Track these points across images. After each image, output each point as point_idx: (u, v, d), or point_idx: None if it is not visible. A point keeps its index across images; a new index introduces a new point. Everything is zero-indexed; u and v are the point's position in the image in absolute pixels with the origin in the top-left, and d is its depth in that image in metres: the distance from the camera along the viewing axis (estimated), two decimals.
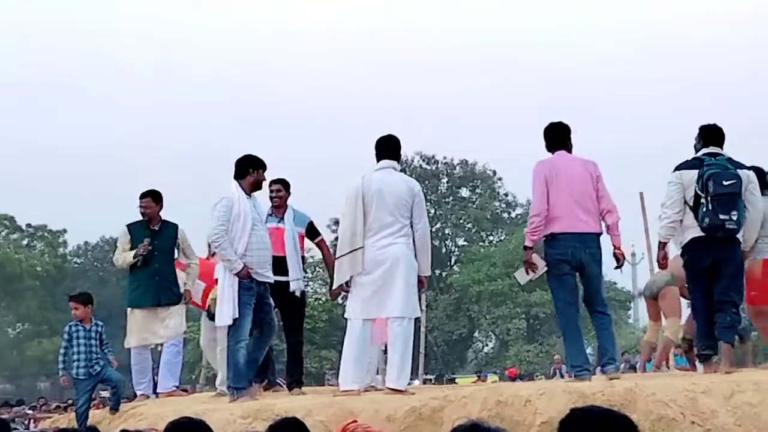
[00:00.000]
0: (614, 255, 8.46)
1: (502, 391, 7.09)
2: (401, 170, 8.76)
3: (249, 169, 9.01)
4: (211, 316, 10.31)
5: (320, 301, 51.81)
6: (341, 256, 8.53)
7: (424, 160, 62.11)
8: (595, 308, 8.31)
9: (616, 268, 8.53)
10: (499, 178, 62.73)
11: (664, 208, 8.64)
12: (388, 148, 8.66)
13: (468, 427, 2.80)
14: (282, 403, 7.87)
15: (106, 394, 12.37)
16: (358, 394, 8.02)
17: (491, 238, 62.91)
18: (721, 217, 8.26)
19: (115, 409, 9.60)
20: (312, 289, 55.85)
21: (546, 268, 8.34)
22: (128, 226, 10.41)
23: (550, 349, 46.79)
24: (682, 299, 10.81)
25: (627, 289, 48.96)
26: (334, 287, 8.89)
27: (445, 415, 7.02)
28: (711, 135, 8.74)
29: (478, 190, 62.83)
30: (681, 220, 8.53)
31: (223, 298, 8.67)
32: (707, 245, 8.42)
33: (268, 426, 4.93)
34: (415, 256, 8.41)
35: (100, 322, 9.91)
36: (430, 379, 36.79)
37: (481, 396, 7.06)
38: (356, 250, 8.35)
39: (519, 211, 62.55)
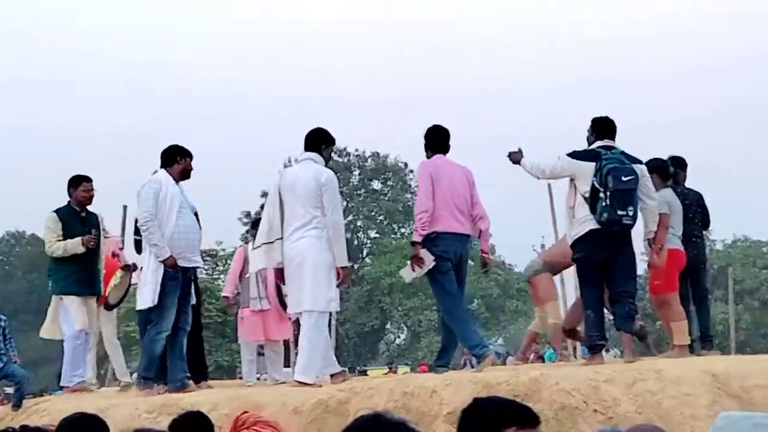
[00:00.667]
0: (482, 259, 8.72)
1: (409, 382, 7.12)
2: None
3: (177, 158, 8.94)
4: (108, 307, 10.22)
5: None
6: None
7: (336, 153, 62.00)
8: None
9: (484, 271, 8.68)
10: (411, 171, 62.92)
11: (540, 170, 8.86)
12: (310, 140, 8.68)
13: (370, 417, 2.78)
14: (188, 397, 7.80)
15: (11, 390, 12.11)
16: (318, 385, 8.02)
17: (403, 230, 63.04)
18: (619, 212, 8.35)
19: (17, 405, 9.38)
20: (223, 282, 55.44)
21: (433, 264, 8.51)
22: (56, 212, 9.99)
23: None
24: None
25: None
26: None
27: (351, 406, 7.01)
28: (605, 127, 8.84)
29: (389, 183, 63.00)
30: (572, 207, 8.63)
31: (146, 281, 8.57)
32: (604, 239, 8.51)
33: (172, 420, 4.87)
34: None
35: (3, 316, 9.69)
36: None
37: (388, 387, 7.08)
38: (272, 242, 8.40)
39: None
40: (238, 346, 13.96)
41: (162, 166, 8.89)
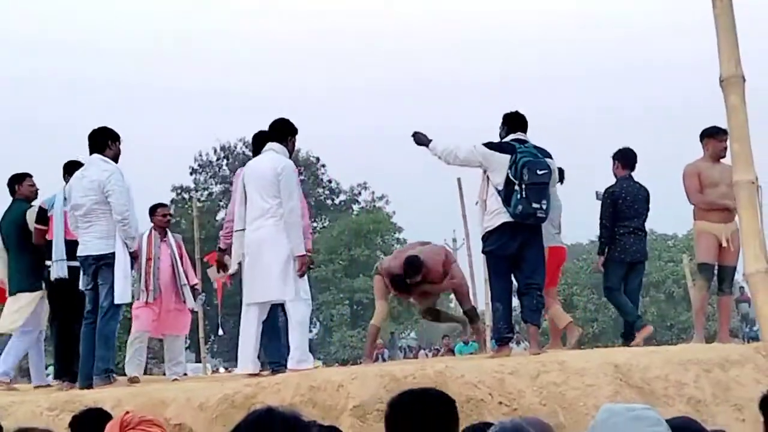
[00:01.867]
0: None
1: (315, 376, 7.09)
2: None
3: (108, 142, 8.88)
4: None
5: None
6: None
7: (246, 147, 61.59)
8: None
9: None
10: (323, 165, 62.91)
11: (455, 153, 8.80)
12: (275, 131, 8.79)
13: (263, 412, 2.79)
14: (90, 393, 7.69)
15: None
16: (255, 376, 8.10)
17: (315, 224, 62.96)
18: (534, 205, 8.43)
19: None
20: None
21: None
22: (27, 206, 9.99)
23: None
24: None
25: None
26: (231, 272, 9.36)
27: (258, 401, 6.96)
28: (516, 121, 8.95)
29: (301, 177, 62.75)
30: (485, 200, 8.70)
31: (120, 275, 8.57)
32: (516, 231, 8.60)
33: (72, 417, 4.81)
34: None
35: None
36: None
37: (294, 382, 7.05)
38: (237, 232, 8.66)
39: (342, 197, 62.88)
40: (156, 343, 13.79)
41: (96, 152, 8.80)
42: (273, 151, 8.62)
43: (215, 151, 61.50)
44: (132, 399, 7.10)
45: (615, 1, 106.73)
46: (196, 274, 12.06)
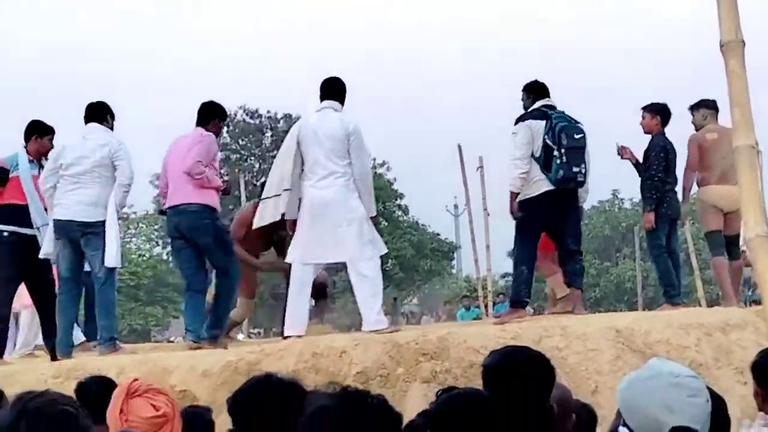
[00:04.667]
0: None
1: (318, 343, 7.13)
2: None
3: (107, 115, 8.83)
4: None
5: (144, 258, 50.95)
6: (266, 198, 8.69)
7: (247, 114, 61.38)
8: None
9: None
10: None
11: (515, 160, 8.54)
12: (329, 89, 8.56)
13: (262, 378, 2.83)
14: (95, 361, 7.72)
15: None
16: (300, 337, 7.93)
17: None
18: (574, 169, 8.44)
19: None
20: (135, 245, 54.84)
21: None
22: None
23: None
24: None
25: (450, 240, 49.81)
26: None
27: (262, 368, 6.98)
28: (540, 89, 8.91)
29: None
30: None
31: (111, 239, 8.43)
32: (557, 198, 8.59)
33: (77, 384, 4.84)
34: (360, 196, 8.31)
35: None
36: (258, 333, 36.66)
37: (298, 348, 7.09)
38: (280, 194, 8.46)
39: None
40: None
41: (94, 121, 8.71)
42: (332, 109, 8.43)
43: None
44: (136, 366, 7.14)
45: None
46: None
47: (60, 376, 7.20)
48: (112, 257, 8.39)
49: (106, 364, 7.17)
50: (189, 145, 8.48)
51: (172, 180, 8.54)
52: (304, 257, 8.32)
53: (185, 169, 8.33)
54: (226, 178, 9.15)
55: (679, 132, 9.96)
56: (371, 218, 8.37)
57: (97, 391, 4.48)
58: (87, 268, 8.65)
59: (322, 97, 8.54)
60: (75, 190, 8.47)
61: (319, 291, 9.70)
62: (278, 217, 8.58)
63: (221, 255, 8.54)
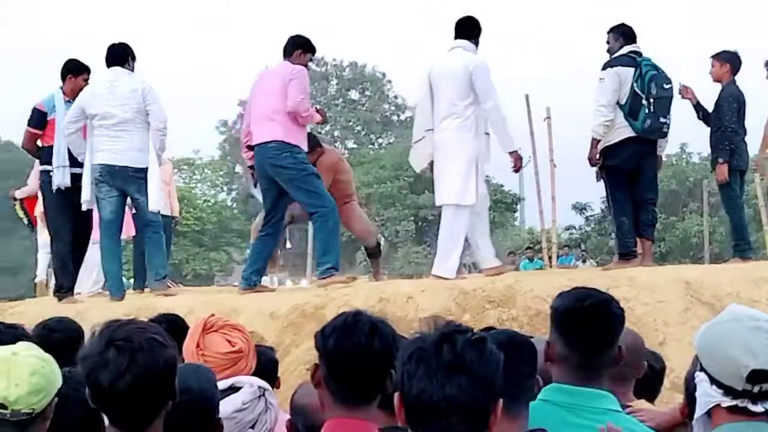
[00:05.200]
0: None
1: (384, 288, 7.17)
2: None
3: (129, 57, 8.89)
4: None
5: (209, 203, 51.43)
6: (416, 142, 8.62)
7: (313, 62, 61.49)
8: None
9: None
10: (389, 81, 62.52)
11: (600, 107, 8.38)
12: (460, 28, 8.53)
13: (351, 315, 2.84)
14: (164, 301, 7.83)
15: None
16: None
17: (381, 140, 62.94)
18: (661, 120, 8.33)
19: None
20: (201, 191, 55.36)
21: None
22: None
23: None
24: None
25: (513, 192, 49.57)
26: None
27: (327, 312, 7.04)
28: (629, 33, 8.65)
29: (367, 93, 62.62)
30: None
31: (155, 185, 8.65)
32: (639, 145, 8.47)
33: (148, 319, 4.89)
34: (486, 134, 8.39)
35: None
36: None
37: (364, 293, 7.13)
38: (423, 137, 8.43)
39: (408, 114, 62.56)
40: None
41: (116, 64, 8.76)
42: (461, 48, 8.38)
43: None
44: (204, 307, 7.22)
45: None
46: None
47: (131, 315, 7.25)
48: (155, 202, 8.60)
49: (175, 304, 7.26)
50: (281, 81, 8.28)
51: (258, 117, 8.39)
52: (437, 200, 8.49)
53: (289, 108, 8.14)
54: (318, 107, 8.99)
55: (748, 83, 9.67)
56: (511, 153, 8.45)
57: (167, 328, 4.53)
58: None
59: (455, 37, 8.49)
60: (121, 138, 8.61)
61: (372, 251, 10.07)
62: (427, 160, 8.56)
63: (306, 195, 8.30)
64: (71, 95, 8.99)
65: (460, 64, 8.20)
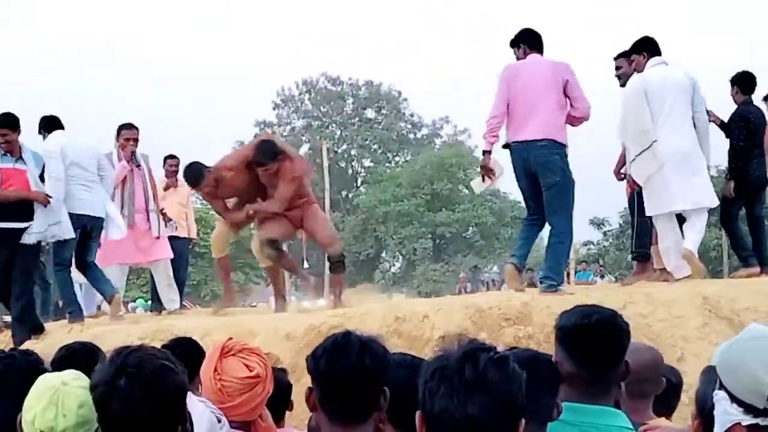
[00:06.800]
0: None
1: (401, 307, 7.15)
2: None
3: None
4: None
5: None
6: (640, 153, 8.62)
7: (329, 81, 61.63)
8: None
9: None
10: (405, 99, 62.58)
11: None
12: (643, 47, 8.92)
13: (341, 335, 2.89)
14: (181, 323, 7.85)
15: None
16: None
17: (397, 158, 62.91)
18: None
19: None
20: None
21: (502, 173, 8.53)
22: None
23: (456, 268, 47.28)
24: None
25: None
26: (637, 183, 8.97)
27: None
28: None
29: (383, 111, 62.68)
30: None
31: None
32: None
33: (161, 345, 4.89)
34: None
35: None
36: None
37: (380, 313, 7.11)
38: (652, 145, 8.55)
39: (424, 131, 62.59)
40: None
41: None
42: (664, 63, 8.81)
43: (297, 85, 61.56)
44: (221, 329, 7.23)
45: None
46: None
47: (146, 338, 7.32)
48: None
49: (191, 327, 7.27)
50: (552, 76, 8.20)
51: (523, 112, 8.18)
52: (666, 207, 8.67)
53: (581, 113, 8.31)
54: None
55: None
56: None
57: (183, 352, 4.53)
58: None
59: (651, 54, 8.84)
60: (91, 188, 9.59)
61: (336, 261, 9.31)
62: (655, 170, 8.61)
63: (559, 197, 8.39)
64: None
65: (683, 75, 8.75)
